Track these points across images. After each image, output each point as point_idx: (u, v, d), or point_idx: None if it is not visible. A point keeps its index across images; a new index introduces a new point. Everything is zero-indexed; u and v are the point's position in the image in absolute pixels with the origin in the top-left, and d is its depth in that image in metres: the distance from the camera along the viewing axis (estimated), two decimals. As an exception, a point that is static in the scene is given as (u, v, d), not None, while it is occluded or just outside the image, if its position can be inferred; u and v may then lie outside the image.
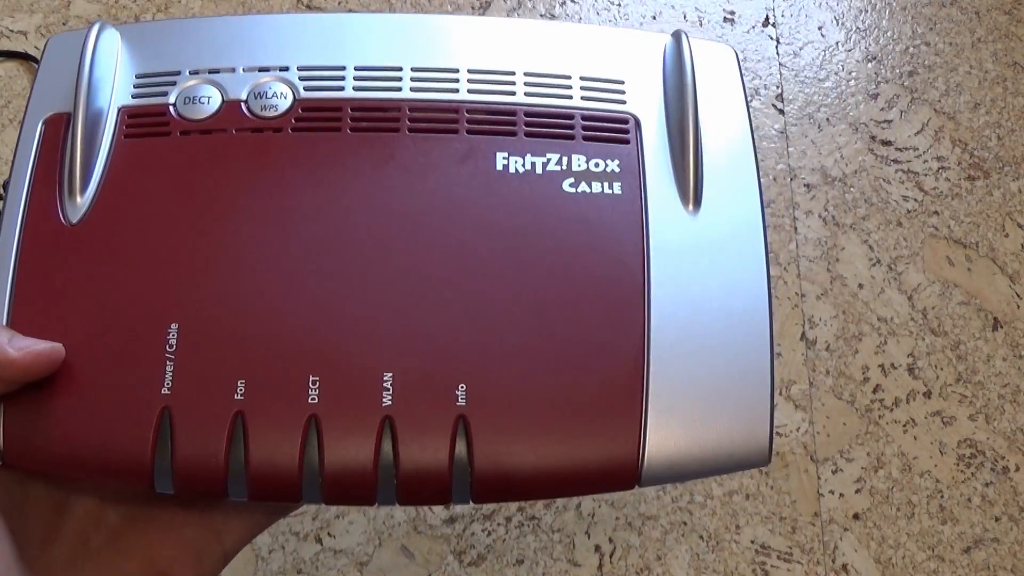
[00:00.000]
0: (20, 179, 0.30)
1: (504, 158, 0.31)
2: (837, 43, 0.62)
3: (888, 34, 0.62)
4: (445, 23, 0.34)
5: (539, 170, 0.31)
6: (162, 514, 0.30)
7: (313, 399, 0.27)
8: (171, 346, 0.28)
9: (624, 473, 0.28)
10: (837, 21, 0.62)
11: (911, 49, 0.61)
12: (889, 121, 0.59)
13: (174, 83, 0.32)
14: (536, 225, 0.30)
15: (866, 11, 0.62)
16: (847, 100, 0.60)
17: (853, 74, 0.61)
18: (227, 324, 0.28)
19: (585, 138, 0.32)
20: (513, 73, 0.33)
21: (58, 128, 0.31)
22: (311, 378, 0.27)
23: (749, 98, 0.34)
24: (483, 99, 0.32)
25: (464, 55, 0.33)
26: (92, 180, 0.30)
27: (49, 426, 0.27)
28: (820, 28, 0.62)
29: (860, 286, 0.55)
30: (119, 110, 0.32)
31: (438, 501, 0.28)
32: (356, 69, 0.32)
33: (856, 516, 0.50)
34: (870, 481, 0.51)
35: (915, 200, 0.57)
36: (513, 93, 0.32)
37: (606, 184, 0.31)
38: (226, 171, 0.30)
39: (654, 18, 0.61)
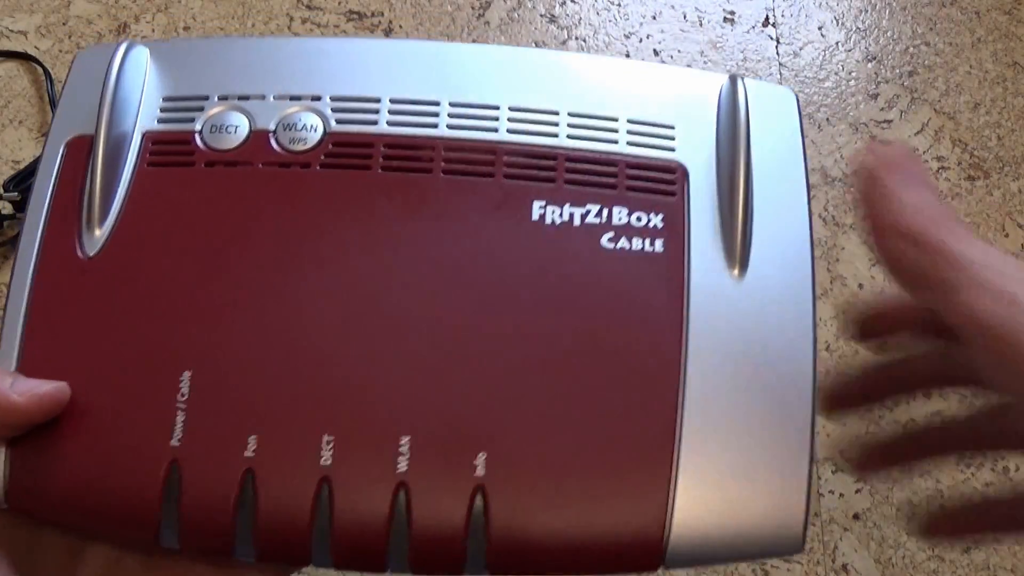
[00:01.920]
0: (39, 205, 0.29)
1: (541, 207, 0.29)
2: (837, 43, 0.62)
3: (888, 34, 0.62)
4: (487, 54, 0.32)
5: (577, 222, 0.29)
6: (180, 566, 0.29)
7: (326, 460, 0.26)
8: (183, 395, 0.27)
9: (648, 554, 0.26)
10: (837, 21, 0.62)
11: (911, 49, 0.61)
12: (889, 121, 0.59)
13: (202, 108, 0.31)
14: (570, 283, 0.28)
15: (866, 11, 0.62)
16: (847, 100, 0.60)
17: (853, 74, 0.61)
18: (242, 375, 0.27)
19: (629, 188, 0.30)
20: (557, 113, 0.31)
21: (80, 152, 0.30)
22: (325, 438, 0.26)
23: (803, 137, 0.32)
24: (523, 140, 0.30)
25: (506, 90, 0.31)
26: (112, 211, 0.29)
27: (55, 471, 0.26)
28: (820, 28, 0.62)
29: (860, 286, 0.55)
30: (143, 135, 0.30)
31: (451, 571, 0.27)
32: (391, 102, 0.31)
33: (856, 516, 0.50)
34: (870, 481, 0.51)
35: (915, 200, 0.57)
36: (556, 135, 0.30)
37: (647, 241, 0.29)
38: (249, 209, 0.29)
39: (654, 18, 0.61)
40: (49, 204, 0.29)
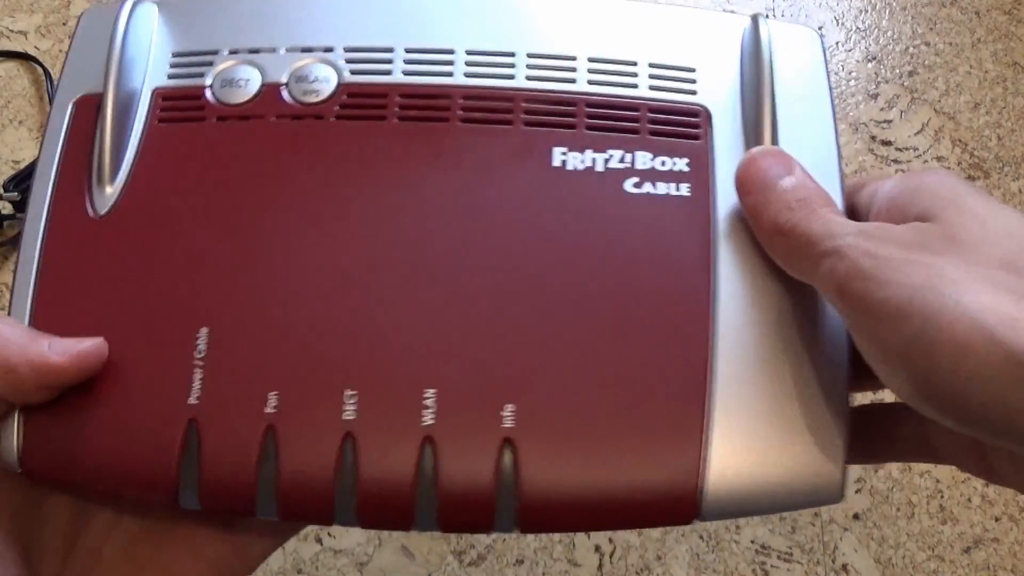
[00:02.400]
0: (48, 165, 0.29)
1: (562, 154, 0.29)
2: (837, 43, 0.62)
3: (888, 34, 0.62)
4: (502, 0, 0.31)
5: (600, 167, 0.28)
6: (182, 528, 0.28)
7: (349, 415, 0.26)
8: (200, 352, 0.26)
9: (683, 504, 0.25)
10: (837, 21, 0.62)
11: (911, 49, 0.61)
12: (889, 121, 0.59)
13: (212, 63, 0.30)
14: (594, 229, 0.28)
15: (866, 11, 0.62)
16: (847, 100, 0.60)
17: (853, 74, 0.61)
18: (260, 329, 0.27)
19: (651, 132, 0.29)
20: (575, 58, 0.30)
21: (89, 110, 0.29)
22: (347, 392, 0.26)
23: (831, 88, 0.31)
24: (542, 87, 0.29)
25: (522, 36, 0.30)
26: (122, 168, 0.28)
27: (70, 434, 0.26)
28: (820, 28, 0.62)
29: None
30: (153, 92, 0.30)
31: (481, 528, 0.26)
32: (406, 51, 0.30)
33: (856, 516, 0.50)
34: (870, 481, 0.51)
35: (915, 200, 0.57)
36: (574, 81, 0.29)
37: (673, 185, 0.28)
38: (263, 162, 0.29)
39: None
40: (58, 164, 0.29)
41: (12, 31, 0.60)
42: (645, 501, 0.25)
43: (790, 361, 0.27)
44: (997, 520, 0.50)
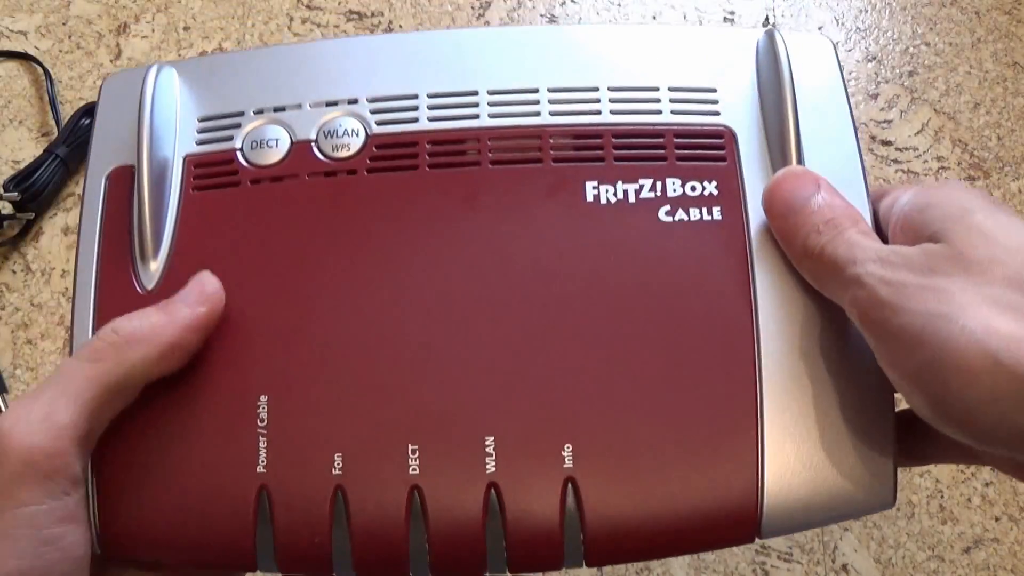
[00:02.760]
0: (90, 243, 0.29)
1: (594, 188, 0.29)
2: (837, 43, 0.62)
3: (888, 34, 0.62)
4: (517, 36, 0.31)
5: (632, 199, 0.29)
6: None
7: (414, 469, 0.26)
8: (262, 420, 0.27)
9: (744, 525, 0.26)
10: (837, 21, 0.62)
11: (911, 49, 0.61)
12: (889, 121, 0.59)
13: (239, 125, 0.30)
14: (634, 262, 0.28)
15: (866, 11, 0.62)
16: (847, 100, 0.60)
17: (853, 74, 0.61)
18: (317, 392, 0.27)
19: (679, 158, 0.29)
20: (597, 89, 0.30)
21: (123, 184, 0.30)
22: (410, 447, 0.26)
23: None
24: (567, 121, 0.30)
25: (542, 71, 0.30)
26: (163, 242, 0.29)
27: (145, 512, 0.26)
28: (820, 28, 0.62)
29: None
30: (184, 159, 0.30)
31: (550, 567, 0.26)
32: (429, 96, 0.30)
33: (856, 516, 0.50)
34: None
35: (915, 200, 0.57)
36: (599, 112, 0.30)
37: (705, 210, 0.28)
38: (302, 223, 0.29)
39: (654, 18, 0.61)
40: (99, 241, 0.29)
41: (12, 31, 0.60)
42: (707, 526, 0.26)
43: (834, 375, 0.27)
44: (997, 520, 0.50)
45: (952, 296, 0.23)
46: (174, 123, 0.30)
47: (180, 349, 0.27)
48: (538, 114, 0.30)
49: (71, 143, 0.55)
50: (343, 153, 0.29)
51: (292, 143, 0.30)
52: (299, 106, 0.30)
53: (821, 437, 0.27)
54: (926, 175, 0.58)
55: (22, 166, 0.55)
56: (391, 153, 0.29)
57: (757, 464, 0.26)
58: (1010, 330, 0.22)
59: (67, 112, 0.57)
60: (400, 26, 0.61)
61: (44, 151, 0.55)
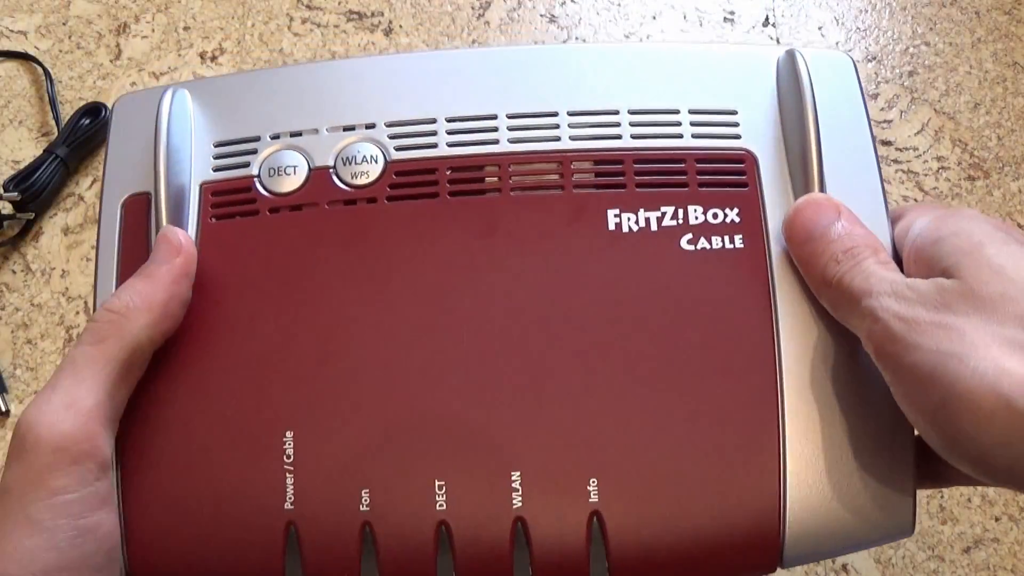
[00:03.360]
0: (108, 270, 0.29)
1: (615, 215, 0.28)
2: (837, 43, 0.61)
3: (888, 34, 0.62)
4: (531, 56, 0.31)
5: (654, 227, 0.28)
6: None
7: (441, 505, 0.26)
8: (288, 456, 0.27)
9: (767, 556, 0.26)
10: (837, 21, 0.62)
11: (911, 49, 0.61)
12: (889, 121, 0.59)
13: (255, 151, 0.30)
14: (656, 293, 0.28)
15: (866, 11, 0.62)
16: (847, 100, 0.60)
17: (853, 74, 0.61)
18: (342, 427, 0.27)
19: (700, 184, 0.29)
20: (617, 112, 0.30)
21: (139, 211, 0.29)
22: (437, 483, 0.26)
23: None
24: (588, 146, 0.29)
25: (561, 93, 0.30)
26: None
27: (173, 543, 0.26)
28: (820, 28, 0.62)
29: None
30: (201, 187, 0.29)
31: None
32: (448, 121, 0.30)
33: (856, 516, 0.50)
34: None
35: (915, 200, 0.57)
36: (619, 136, 0.29)
37: (727, 238, 0.28)
38: (322, 253, 0.28)
39: (654, 18, 0.61)
40: (117, 269, 0.29)
41: (12, 31, 0.60)
42: (730, 556, 0.26)
43: (854, 405, 0.27)
44: (997, 520, 0.50)
45: (964, 335, 0.23)
46: (189, 149, 0.30)
47: (175, 301, 0.27)
48: (558, 139, 0.29)
49: (71, 143, 0.54)
50: (362, 180, 0.29)
51: (310, 170, 0.29)
52: (316, 131, 0.30)
53: (842, 467, 0.27)
54: (926, 175, 0.58)
55: (22, 166, 0.55)
56: (411, 180, 0.29)
57: (779, 494, 0.26)
58: (1022, 372, 0.22)
59: (67, 112, 0.57)
60: (400, 26, 0.61)
61: (44, 151, 0.55)
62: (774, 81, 0.30)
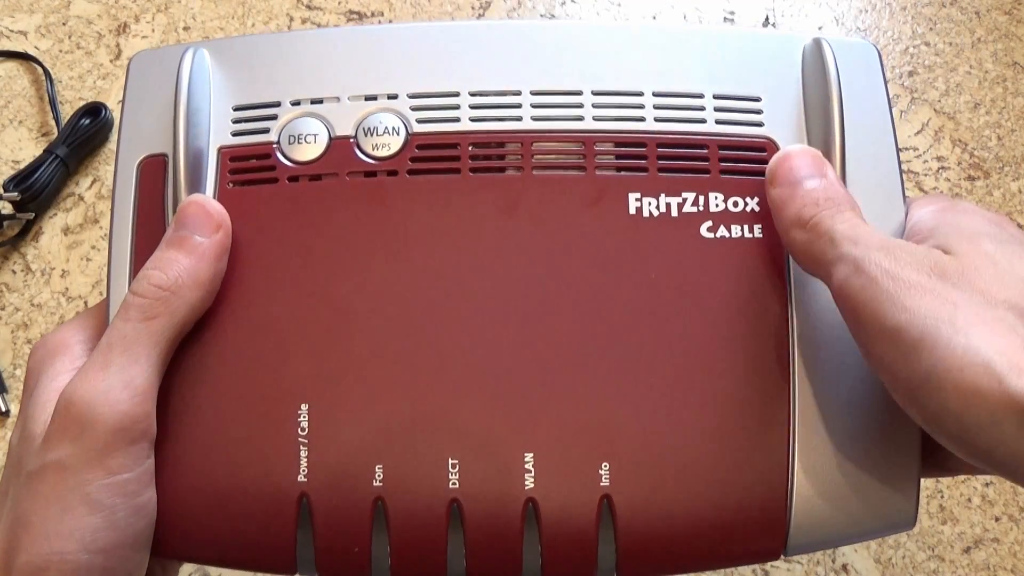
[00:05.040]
0: (123, 237, 0.28)
1: (637, 200, 0.28)
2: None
3: (888, 34, 0.62)
4: (555, 31, 0.30)
5: (674, 212, 0.28)
6: None
7: (454, 483, 0.26)
8: (303, 429, 0.27)
9: (772, 543, 0.27)
10: (837, 21, 0.62)
11: (911, 49, 0.61)
12: (889, 121, 0.59)
13: (275, 116, 0.29)
14: (674, 279, 0.28)
15: (866, 11, 0.62)
16: (847, 100, 0.60)
17: (853, 74, 0.61)
18: (357, 402, 0.27)
19: (722, 171, 0.29)
20: (641, 94, 0.29)
21: (156, 173, 0.29)
22: (451, 461, 0.26)
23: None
24: (611, 127, 0.29)
25: (586, 71, 0.30)
26: None
27: (189, 513, 0.27)
28: (820, 28, 0.62)
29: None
30: (220, 152, 0.29)
31: None
32: (471, 95, 0.29)
33: (856, 516, 0.50)
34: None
35: (915, 200, 0.57)
36: (643, 119, 0.29)
37: (746, 227, 0.28)
38: (342, 225, 0.28)
39: (654, 18, 0.61)
40: (133, 236, 0.28)
41: (12, 31, 0.60)
42: (736, 542, 0.27)
43: (863, 397, 0.27)
44: (997, 520, 0.50)
45: (957, 306, 0.22)
46: (208, 111, 0.29)
47: (219, 278, 0.27)
48: (581, 119, 0.29)
49: (71, 143, 0.54)
50: (383, 152, 0.29)
51: (331, 139, 0.29)
52: (337, 99, 0.29)
53: (848, 459, 0.27)
54: (926, 175, 0.58)
55: (22, 166, 0.55)
56: (432, 154, 0.29)
57: (786, 483, 0.27)
58: (1016, 355, 0.21)
59: (67, 112, 0.57)
60: (400, 26, 0.61)
61: (44, 151, 0.54)
62: (799, 69, 0.30)
